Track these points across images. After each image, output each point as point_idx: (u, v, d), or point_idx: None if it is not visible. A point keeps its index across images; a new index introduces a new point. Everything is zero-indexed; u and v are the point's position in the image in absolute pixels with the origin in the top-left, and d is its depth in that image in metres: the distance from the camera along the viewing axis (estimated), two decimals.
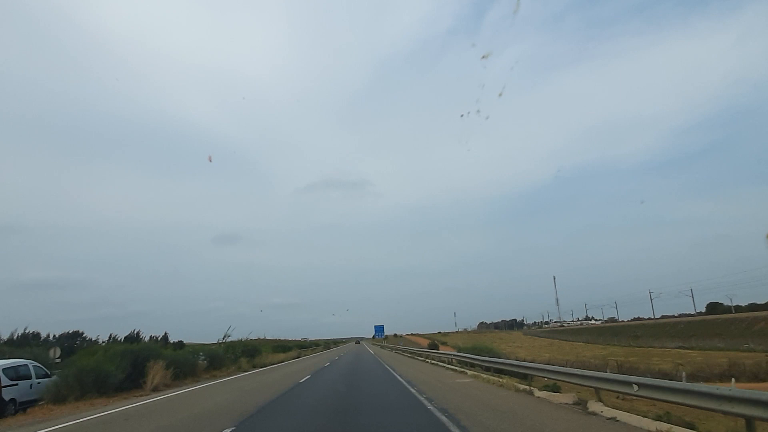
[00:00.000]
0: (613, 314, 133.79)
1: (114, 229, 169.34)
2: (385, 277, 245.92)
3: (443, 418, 8.27)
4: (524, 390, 11.75)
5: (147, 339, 38.17)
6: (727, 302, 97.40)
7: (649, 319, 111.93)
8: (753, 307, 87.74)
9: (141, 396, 14.97)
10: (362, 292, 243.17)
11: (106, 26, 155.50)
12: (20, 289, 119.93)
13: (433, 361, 28.22)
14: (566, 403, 9.48)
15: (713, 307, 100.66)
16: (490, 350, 23.61)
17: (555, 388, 11.28)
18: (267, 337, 78.14)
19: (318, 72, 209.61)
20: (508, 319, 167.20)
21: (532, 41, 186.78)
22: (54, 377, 15.06)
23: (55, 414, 11.67)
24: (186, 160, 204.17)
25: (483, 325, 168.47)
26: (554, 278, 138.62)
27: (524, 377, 13.91)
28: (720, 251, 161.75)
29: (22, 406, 13.61)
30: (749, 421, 5.88)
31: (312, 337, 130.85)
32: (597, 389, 9.44)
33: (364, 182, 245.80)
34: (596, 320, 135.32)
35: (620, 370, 25.47)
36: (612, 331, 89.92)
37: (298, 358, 48.30)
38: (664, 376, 20.28)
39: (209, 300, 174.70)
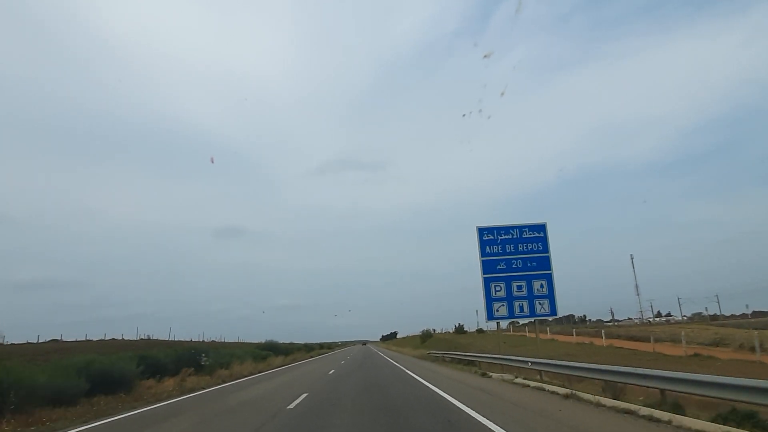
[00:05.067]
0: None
1: (116, 229, 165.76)
2: (392, 279, 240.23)
3: None
4: None
5: None
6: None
7: None
8: None
9: None
10: (368, 294, 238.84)
11: (109, 27, 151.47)
12: (15, 289, 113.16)
13: None
14: None
15: None
16: None
17: None
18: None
19: (322, 74, 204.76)
20: (551, 318, 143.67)
21: (537, 42, 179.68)
22: None
23: None
24: (189, 161, 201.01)
25: (518, 324, 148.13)
26: (632, 258, 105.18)
27: None
28: (727, 254, 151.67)
29: None
30: None
31: (316, 340, 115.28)
32: None
33: (367, 182, 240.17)
34: (681, 317, 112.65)
35: None
36: None
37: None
38: None
39: (213, 301, 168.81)
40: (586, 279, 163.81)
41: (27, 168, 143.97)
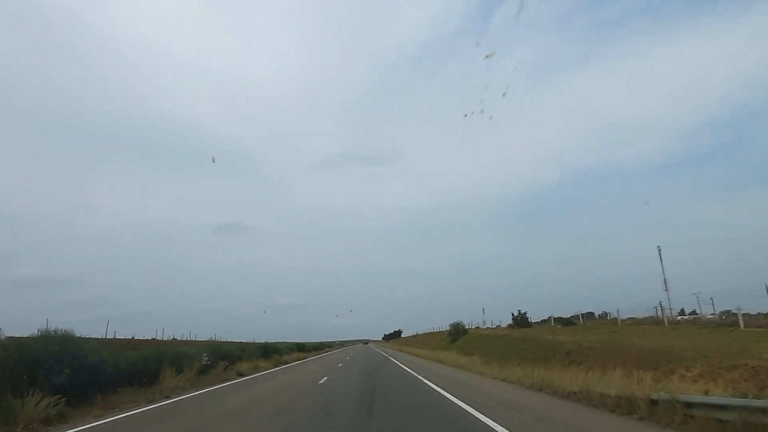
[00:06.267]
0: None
1: (115, 228, 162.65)
2: (393, 279, 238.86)
3: None
4: None
5: None
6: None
7: None
8: None
9: None
10: (369, 294, 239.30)
11: (111, 28, 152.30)
12: (9, 287, 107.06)
13: None
14: None
15: None
16: None
17: None
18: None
19: (325, 74, 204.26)
20: (566, 316, 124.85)
21: (538, 42, 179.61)
22: None
23: None
24: (190, 161, 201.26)
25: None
26: (659, 249, 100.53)
27: None
28: (730, 255, 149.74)
29: None
30: None
31: (317, 339, 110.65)
32: None
33: (370, 180, 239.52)
34: (710, 314, 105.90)
35: None
36: None
37: None
38: None
39: (213, 301, 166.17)
40: (589, 278, 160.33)
41: (26, 166, 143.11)
